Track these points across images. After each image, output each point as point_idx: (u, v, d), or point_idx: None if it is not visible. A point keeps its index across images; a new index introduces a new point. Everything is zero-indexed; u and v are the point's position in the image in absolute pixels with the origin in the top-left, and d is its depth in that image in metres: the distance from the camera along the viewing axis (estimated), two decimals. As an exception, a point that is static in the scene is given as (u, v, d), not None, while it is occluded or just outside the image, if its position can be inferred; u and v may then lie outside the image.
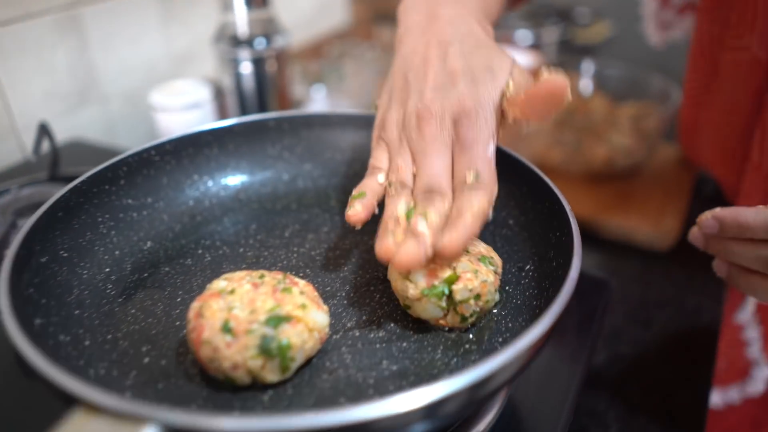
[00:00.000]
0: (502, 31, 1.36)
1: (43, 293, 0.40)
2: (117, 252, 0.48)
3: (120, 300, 0.44)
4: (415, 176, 0.43)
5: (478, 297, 0.39)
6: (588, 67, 1.00)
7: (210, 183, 0.56)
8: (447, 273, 0.40)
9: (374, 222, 0.54)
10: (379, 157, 0.45)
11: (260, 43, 0.80)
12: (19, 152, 0.82)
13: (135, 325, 0.42)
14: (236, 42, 0.80)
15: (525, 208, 0.49)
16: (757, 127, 0.60)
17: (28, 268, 0.39)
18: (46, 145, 0.71)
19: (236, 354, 0.35)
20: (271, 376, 0.37)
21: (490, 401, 0.43)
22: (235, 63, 0.81)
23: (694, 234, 0.46)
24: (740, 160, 0.64)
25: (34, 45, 0.80)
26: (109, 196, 0.49)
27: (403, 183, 0.42)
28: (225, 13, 0.80)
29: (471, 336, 0.41)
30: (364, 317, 0.43)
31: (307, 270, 0.48)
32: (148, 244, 0.50)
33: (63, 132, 0.85)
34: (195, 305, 0.38)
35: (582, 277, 0.37)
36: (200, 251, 0.50)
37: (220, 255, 0.50)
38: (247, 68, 0.81)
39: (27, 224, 0.41)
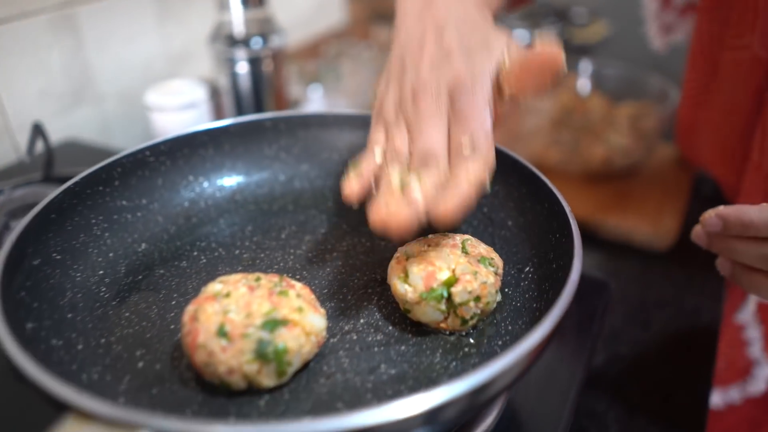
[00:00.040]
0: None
1: (35, 296, 0.39)
2: (111, 254, 0.47)
3: (114, 303, 0.44)
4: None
5: (478, 299, 0.39)
6: (586, 66, 1.00)
7: (206, 184, 0.55)
8: (446, 275, 0.39)
9: (368, 226, 0.53)
10: (376, 135, 0.45)
11: (257, 43, 0.79)
12: (13, 152, 0.81)
13: (129, 329, 0.41)
14: (233, 42, 0.79)
15: (524, 209, 0.48)
16: (757, 126, 0.59)
17: (20, 271, 0.39)
18: (40, 146, 0.71)
19: (232, 358, 0.35)
20: (268, 380, 0.36)
21: (491, 405, 0.43)
22: (231, 63, 0.80)
23: (697, 232, 0.46)
24: (740, 159, 0.64)
25: (28, 44, 0.79)
26: (103, 197, 0.48)
27: (398, 153, 0.42)
28: (221, 13, 0.79)
29: (470, 339, 0.41)
30: (361, 320, 0.42)
31: (304, 272, 0.47)
32: (143, 246, 0.49)
33: (57, 132, 0.85)
34: (190, 308, 0.38)
35: (581, 278, 0.37)
36: (195, 253, 0.49)
37: (216, 257, 0.49)
38: (243, 68, 0.81)
39: (19, 226, 0.40)
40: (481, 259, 0.41)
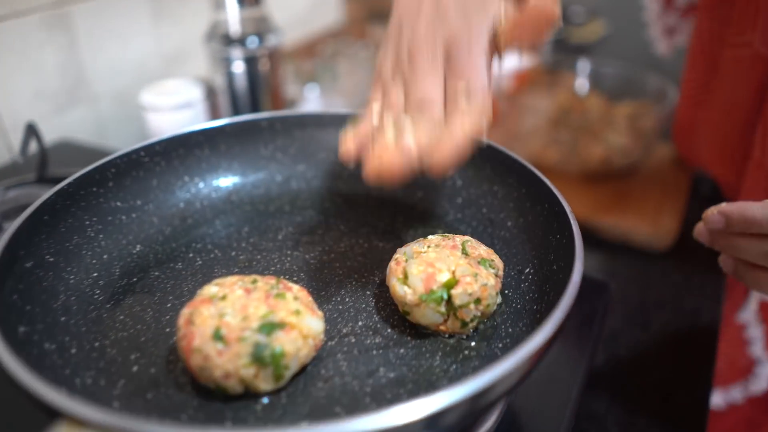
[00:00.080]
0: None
1: (28, 300, 0.38)
2: (105, 256, 0.46)
3: (108, 306, 0.43)
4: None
5: (478, 301, 0.38)
6: (584, 66, 1.00)
7: (201, 185, 0.55)
8: (446, 277, 0.38)
9: (368, 226, 0.53)
10: (375, 95, 0.45)
11: (253, 42, 0.79)
12: (6, 153, 0.80)
13: (123, 332, 0.41)
14: (228, 41, 0.79)
15: (524, 209, 0.48)
16: (758, 124, 0.59)
17: (12, 274, 0.38)
18: (33, 146, 0.70)
19: (228, 362, 0.34)
20: (265, 384, 0.35)
21: (491, 409, 0.42)
22: (227, 62, 0.80)
23: (700, 230, 0.46)
24: (741, 158, 0.64)
25: (21, 44, 0.78)
26: (97, 198, 0.47)
27: (394, 106, 0.42)
28: (217, 12, 0.79)
29: (470, 342, 0.40)
30: (360, 323, 0.42)
31: (301, 274, 0.47)
32: (138, 247, 0.48)
33: (51, 132, 0.84)
34: (185, 312, 0.37)
35: (581, 279, 0.36)
36: (191, 255, 0.49)
37: (212, 259, 0.48)
38: (239, 67, 0.80)
39: (10, 228, 0.39)
40: (482, 261, 0.40)
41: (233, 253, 0.49)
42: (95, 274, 0.45)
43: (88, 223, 0.46)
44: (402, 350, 0.40)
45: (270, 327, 0.35)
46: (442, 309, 0.39)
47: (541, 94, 0.99)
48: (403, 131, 0.39)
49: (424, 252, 0.41)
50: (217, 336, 0.35)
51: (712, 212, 0.43)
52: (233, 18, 0.78)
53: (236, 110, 0.84)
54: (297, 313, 0.37)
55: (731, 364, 0.67)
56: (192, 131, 0.54)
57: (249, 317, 0.36)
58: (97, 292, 0.44)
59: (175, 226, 0.51)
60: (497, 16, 0.42)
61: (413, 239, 0.47)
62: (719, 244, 0.45)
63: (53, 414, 0.29)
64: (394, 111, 0.41)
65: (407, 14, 0.44)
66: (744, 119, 0.63)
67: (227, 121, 0.55)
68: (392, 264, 0.42)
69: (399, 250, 0.43)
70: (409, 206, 0.55)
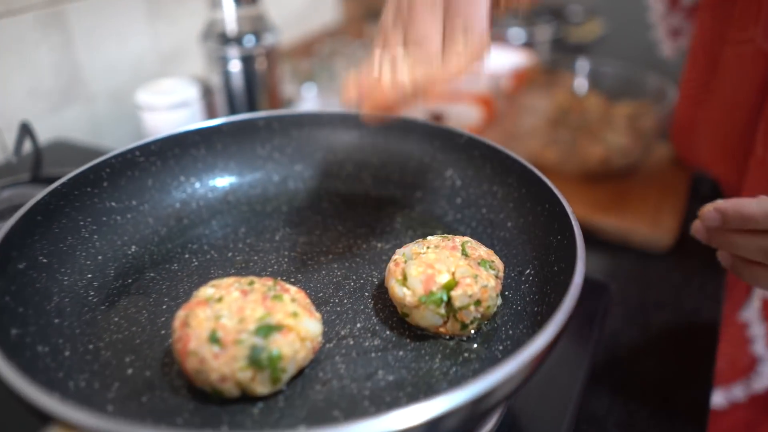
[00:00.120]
0: (494, 30, 1.35)
1: (21, 301, 0.38)
2: (100, 257, 0.46)
3: (102, 308, 0.42)
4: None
5: (478, 303, 0.38)
6: (583, 65, 0.99)
7: (197, 185, 0.54)
8: (445, 278, 0.38)
9: (367, 227, 0.52)
10: (377, 44, 0.45)
11: (249, 41, 0.78)
12: (0, 152, 0.79)
13: (118, 334, 0.40)
14: (225, 39, 0.78)
15: (524, 210, 0.47)
16: (760, 120, 0.59)
17: (5, 276, 0.38)
18: (28, 146, 0.69)
19: (224, 365, 0.34)
20: (262, 388, 0.35)
21: (492, 413, 0.42)
22: (223, 61, 0.79)
23: (697, 227, 0.46)
24: (742, 156, 0.64)
25: (15, 42, 0.77)
26: (92, 198, 0.47)
27: (392, 46, 0.42)
28: (213, 10, 0.78)
29: (470, 344, 0.40)
30: (358, 325, 0.41)
31: (299, 275, 0.46)
32: (133, 248, 0.48)
33: (46, 132, 0.83)
34: (181, 314, 0.36)
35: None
36: (187, 256, 0.48)
37: (208, 260, 0.48)
38: (236, 66, 0.79)
39: (3, 229, 0.39)
40: (482, 262, 0.40)
41: (230, 254, 0.49)
42: (89, 276, 0.44)
43: (82, 223, 0.46)
44: (401, 352, 0.39)
45: (267, 329, 0.35)
46: (442, 311, 0.38)
47: (539, 93, 0.98)
48: (398, 67, 0.40)
49: (424, 253, 0.40)
50: (213, 338, 0.34)
51: (708, 209, 0.43)
52: (230, 17, 0.77)
53: (233, 110, 0.83)
54: (294, 315, 0.36)
55: (733, 363, 0.66)
56: (188, 130, 0.53)
57: (246, 319, 0.35)
58: (92, 293, 0.43)
59: (170, 227, 0.51)
60: None
61: (412, 240, 0.47)
62: (716, 241, 0.45)
63: (45, 418, 0.28)
64: (392, 51, 0.41)
65: None
66: (745, 117, 0.63)
67: (224, 120, 0.55)
68: (391, 265, 0.41)
69: (398, 251, 0.42)
70: (407, 206, 0.54)
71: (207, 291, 0.37)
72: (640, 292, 0.71)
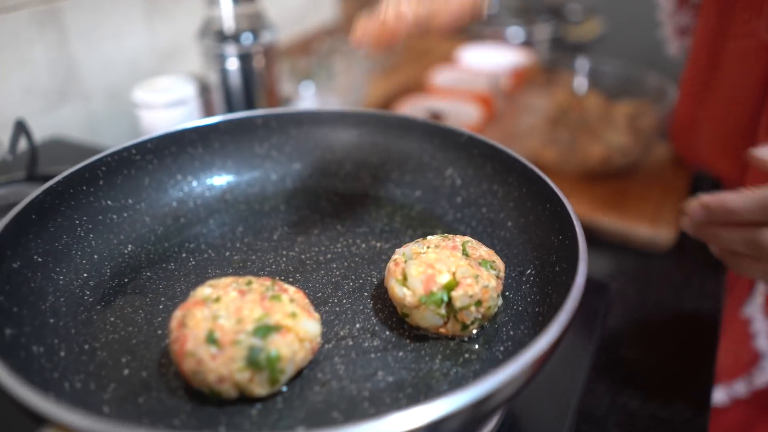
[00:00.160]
0: (493, 29, 1.35)
1: (15, 301, 0.37)
2: (95, 256, 0.45)
3: (98, 307, 0.42)
4: None
5: (479, 303, 0.37)
6: (582, 64, 0.99)
7: (194, 183, 0.53)
8: (446, 278, 0.38)
9: (366, 226, 0.52)
10: None
11: (247, 39, 0.78)
12: (-4, 151, 0.79)
13: (114, 335, 0.40)
14: (222, 37, 0.77)
15: (524, 209, 0.47)
16: (763, 114, 0.59)
17: (-1, 275, 0.37)
18: (23, 144, 0.68)
19: (222, 366, 0.33)
20: (260, 389, 0.34)
21: (492, 415, 0.41)
22: (221, 59, 0.79)
23: (686, 222, 0.47)
24: (744, 153, 0.64)
25: (10, 39, 0.77)
26: (87, 197, 0.46)
27: None
28: (211, 8, 0.78)
29: (471, 345, 0.39)
30: (357, 325, 0.41)
31: (297, 275, 0.46)
32: (129, 247, 0.47)
33: (42, 130, 0.82)
34: (178, 314, 0.36)
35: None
36: (184, 255, 0.48)
37: (205, 259, 0.47)
38: (233, 64, 0.79)
39: (-3, 228, 0.38)
40: (483, 262, 0.39)
41: (227, 254, 0.48)
42: (85, 275, 0.44)
43: (77, 222, 0.45)
44: (401, 353, 0.39)
45: (265, 330, 0.34)
46: (442, 311, 0.38)
47: (539, 92, 0.98)
48: (403, 3, 0.41)
49: (424, 253, 0.40)
50: (211, 339, 0.34)
51: (694, 205, 0.45)
52: (227, 14, 0.77)
53: (230, 108, 0.82)
54: (293, 315, 0.36)
55: (735, 360, 0.66)
56: (185, 129, 0.53)
57: (243, 320, 0.34)
58: (87, 293, 0.43)
59: (167, 226, 0.50)
60: None
61: (412, 239, 0.46)
62: (703, 234, 0.46)
63: (40, 420, 0.28)
64: None
65: None
66: (748, 112, 0.63)
67: (221, 118, 0.54)
68: (391, 265, 0.41)
69: (398, 250, 0.42)
70: (407, 206, 0.54)
71: (204, 291, 0.37)
72: (640, 291, 0.71)
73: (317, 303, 0.43)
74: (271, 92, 0.84)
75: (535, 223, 0.46)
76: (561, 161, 0.85)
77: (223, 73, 0.80)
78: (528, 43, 1.33)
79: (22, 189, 0.63)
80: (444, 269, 0.38)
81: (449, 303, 0.37)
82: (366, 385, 0.36)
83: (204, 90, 0.81)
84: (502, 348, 0.39)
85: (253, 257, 0.48)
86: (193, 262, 0.47)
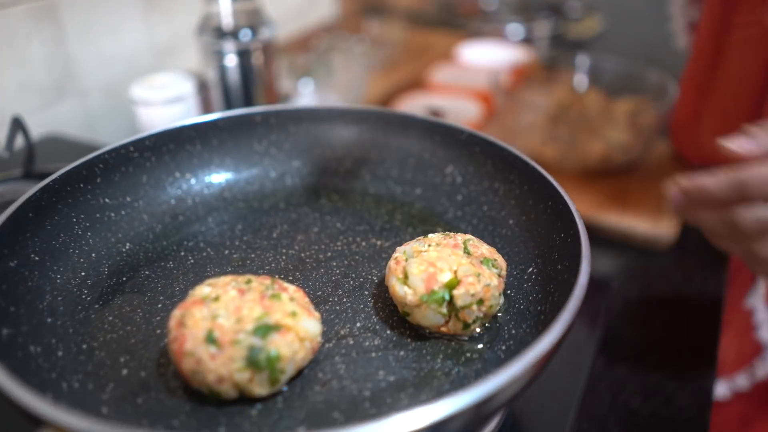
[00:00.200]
0: (493, 26, 1.34)
1: (12, 300, 0.37)
2: (93, 255, 0.45)
3: (96, 306, 0.41)
4: None
5: (480, 302, 0.37)
6: (583, 61, 0.98)
7: (193, 181, 0.53)
8: (447, 277, 0.37)
9: (366, 224, 0.51)
10: None
11: (246, 35, 0.77)
12: (-7, 148, 0.78)
13: (112, 334, 0.39)
14: (221, 33, 0.77)
15: (526, 207, 0.47)
16: (767, 100, 0.59)
17: (-5, 274, 0.37)
18: (20, 141, 0.68)
19: (221, 366, 0.33)
20: (260, 389, 0.34)
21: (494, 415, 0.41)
22: (219, 55, 0.78)
23: (669, 205, 0.50)
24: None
25: (6, 36, 0.76)
26: (85, 195, 0.46)
27: None
28: (209, 4, 0.77)
29: (472, 344, 0.39)
30: (358, 324, 0.41)
31: (297, 273, 0.45)
32: (127, 245, 0.47)
33: (39, 127, 0.82)
34: (176, 313, 0.36)
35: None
36: (183, 253, 0.47)
37: (204, 257, 0.47)
38: (232, 61, 0.78)
39: (-7, 226, 0.38)
40: (484, 261, 0.39)
41: (226, 252, 0.48)
42: (83, 274, 0.43)
43: (75, 220, 0.45)
44: (402, 352, 0.38)
45: (265, 329, 0.34)
46: (444, 310, 0.37)
47: (539, 89, 0.98)
48: None
49: (425, 251, 0.40)
50: (210, 339, 0.33)
51: (672, 188, 0.47)
52: (226, 10, 0.76)
53: (229, 104, 0.82)
54: (293, 314, 0.35)
55: (737, 352, 0.66)
56: (183, 126, 0.52)
57: (243, 319, 0.34)
58: (85, 292, 0.42)
59: (165, 224, 0.50)
60: None
61: (412, 237, 0.46)
62: (685, 216, 0.48)
63: (37, 422, 0.27)
64: None
65: None
66: (752, 102, 0.63)
67: (220, 115, 0.54)
68: (391, 263, 0.40)
69: (398, 248, 0.42)
70: (407, 203, 0.53)
71: (203, 290, 0.37)
72: (641, 289, 0.71)
73: (317, 302, 0.42)
74: (269, 89, 0.83)
75: (536, 221, 0.45)
76: (561, 159, 0.85)
77: (222, 70, 0.79)
78: (528, 40, 1.33)
79: (19, 187, 0.62)
80: (445, 267, 0.38)
81: (451, 302, 0.37)
82: (367, 384, 0.36)
83: (202, 87, 0.81)
84: (503, 347, 0.38)
85: (253, 255, 0.47)
86: (192, 261, 0.47)
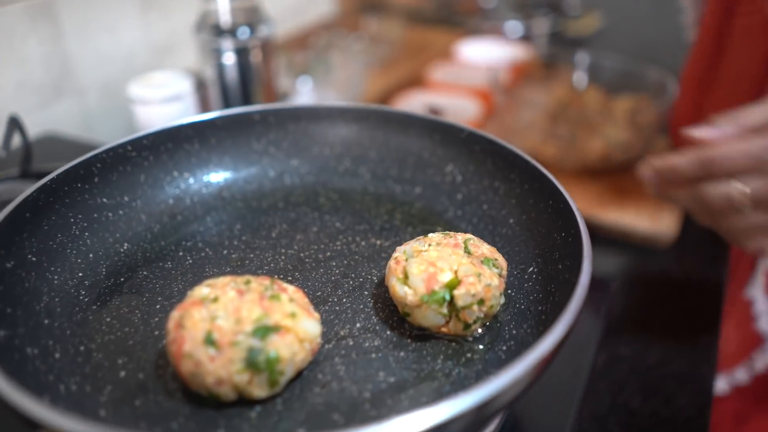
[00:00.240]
0: (492, 23, 1.34)
1: (9, 302, 0.37)
2: (91, 255, 0.44)
3: (94, 307, 0.41)
4: None
5: (481, 302, 0.37)
6: (582, 59, 0.98)
7: (191, 180, 0.53)
8: (448, 277, 0.37)
9: (366, 223, 0.51)
10: None
11: (244, 33, 0.77)
12: (-11, 147, 0.78)
13: (110, 335, 0.39)
14: (219, 31, 0.76)
15: (526, 206, 0.46)
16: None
17: (-9, 275, 0.36)
18: (17, 140, 0.68)
19: (220, 368, 0.33)
20: (259, 391, 0.34)
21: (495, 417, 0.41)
22: (217, 53, 0.78)
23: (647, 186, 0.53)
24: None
25: (3, 34, 0.76)
26: (82, 194, 0.45)
27: None
28: (207, 1, 0.77)
29: (473, 344, 0.39)
30: (358, 324, 0.40)
31: (296, 273, 0.45)
32: (125, 246, 0.47)
33: (36, 126, 0.81)
34: (175, 315, 0.35)
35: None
36: (181, 253, 0.47)
37: (203, 257, 0.47)
38: (230, 59, 0.78)
39: (-11, 227, 0.37)
40: (485, 260, 0.39)
41: (225, 252, 0.47)
42: (80, 274, 0.43)
43: (72, 220, 0.44)
44: (402, 353, 0.38)
45: (264, 330, 0.34)
46: (444, 310, 0.37)
47: (538, 87, 0.97)
48: None
49: (425, 250, 0.39)
50: (209, 340, 0.33)
51: (645, 168, 0.50)
52: (224, 8, 0.76)
53: (227, 103, 0.82)
54: (293, 315, 0.35)
55: (737, 345, 0.66)
56: (181, 124, 0.52)
57: (242, 320, 0.34)
58: (83, 293, 0.42)
59: (164, 224, 0.49)
60: None
61: (412, 237, 0.46)
62: (660, 195, 0.51)
63: (34, 426, 0.27)
64: None
65: None
66: (755, 93, 0.63)
67: (218, 114, 0.54)
68: (391, 263, 0.40)
69: (398, 248, 0.41)
70: (407, 202, 0.53)
71: (202, 291, 0.36)
72: (641, 288, 0.70)
73: (317, 302, 0.42)
74: (268, 87, 0.83)
75: (537, 220, 0.45)
76: (561, 157, 0.84)
77: (220, 68, 0.79)
78: (527, 38, 1.32)
79: (16, 186, 0.62)
80: (446, 267, 0.37)
81: (451, 302, 0.37)
82: (367, 386, 0.36)
83: (200, 85, 0.80)
84: (504, 347, 0.38)
85: (251, 255, 0.47)
86: (191, 261, 0.46)
